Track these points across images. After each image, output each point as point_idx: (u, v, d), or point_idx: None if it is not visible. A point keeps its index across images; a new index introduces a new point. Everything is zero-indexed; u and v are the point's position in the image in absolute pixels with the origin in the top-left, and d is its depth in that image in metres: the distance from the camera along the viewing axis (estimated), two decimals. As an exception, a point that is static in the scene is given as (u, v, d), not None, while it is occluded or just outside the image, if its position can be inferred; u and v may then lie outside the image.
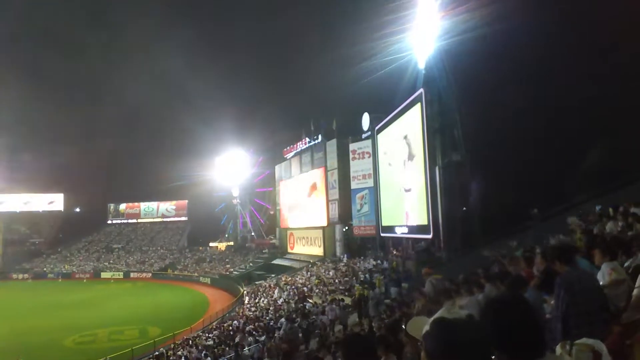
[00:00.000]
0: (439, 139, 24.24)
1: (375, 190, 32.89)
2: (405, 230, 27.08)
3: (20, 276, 62.59)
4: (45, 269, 65.00)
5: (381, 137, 32.17)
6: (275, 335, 18.37)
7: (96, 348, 24.55)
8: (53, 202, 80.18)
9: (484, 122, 23.22)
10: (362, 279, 24.92)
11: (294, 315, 20.35)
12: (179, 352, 20.34)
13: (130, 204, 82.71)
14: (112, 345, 24.70)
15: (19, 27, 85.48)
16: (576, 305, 3.23)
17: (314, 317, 19.14)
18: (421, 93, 24.69)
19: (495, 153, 22.75)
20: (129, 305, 38.80)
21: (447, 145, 24.16)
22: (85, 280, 58.65)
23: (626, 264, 4.38)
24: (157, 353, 21.37)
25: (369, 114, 34.24)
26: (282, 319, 19.84)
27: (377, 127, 32.60)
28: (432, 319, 1.46)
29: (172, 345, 22.71)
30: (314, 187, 43.29)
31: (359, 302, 19.43)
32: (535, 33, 21.65)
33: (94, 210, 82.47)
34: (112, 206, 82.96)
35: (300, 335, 16.83)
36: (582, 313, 3.18)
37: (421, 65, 25.53)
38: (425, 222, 23.78)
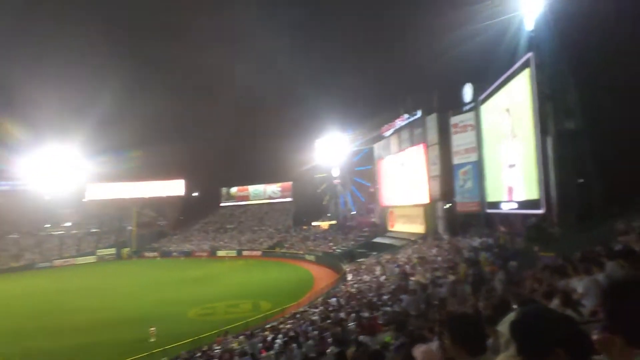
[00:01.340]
0: (551, 106, 22.05)
1: (479, 165, 31.17)
2: (514, 205, 25.35)
3: (151, 254, 70.91)
4: (170, 248, 72.80)
5: (485, 108, 30.23)
6: (387, 309, 18.54)
7: (215, 320, 27.00)
8: (175, 187, 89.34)
9: (603, 86, 20.54)
10: (466, 256, 23.95)
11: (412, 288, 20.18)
12: (288, 325, 21.49)
13: (241, 187, 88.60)
14: (229, 317, 27.00)
15: (142, 21, 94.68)
16: None
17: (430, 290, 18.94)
18: (530, 57, 22.56)
19: (617, 119, 20.06)
20: (242, 281, 41.90)
21: (560, 113, 21.90)
22: (204, 258, 64.56)
23: None
24: (268, 326, 22.82)
25: (471, 84, 32.32)
26: (404, 295, 19.71)
27: (480, 98, 30.68)
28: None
29: (281, 319, 24.12)
30: (414, 163, 42.33)
31: (467, 279, 18.76)
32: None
33: (209, 194, 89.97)
34: (224, 190, 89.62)
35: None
36: None
37: (529, 26, 23.28)
38: (536, 197, 21.99)
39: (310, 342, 15.87)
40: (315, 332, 17.75)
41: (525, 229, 23.30)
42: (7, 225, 74.40)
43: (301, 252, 57.54)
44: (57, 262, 66.41)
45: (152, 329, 23.86)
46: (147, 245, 74.81)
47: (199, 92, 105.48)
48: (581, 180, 20.71)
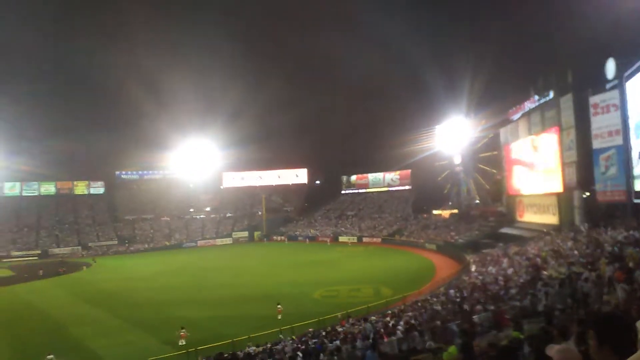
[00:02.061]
0: None
1: (624, 149, 27.72)
2: (670, 195, 22.21)
3: (279, 238, 76.38)
4: (296, 232, 77.53)
5: (632, 85, 26.72)
6: (516, 303, 17.94)
7: (338, 302, 28.46)
8: (299, 175, 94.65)
9: None
10: (609, 251, 21.70)
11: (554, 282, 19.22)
12: (410, 314, 21.76)
13: (360, 175, 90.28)
14: (351, 301, 28.22)
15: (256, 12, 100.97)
16: None
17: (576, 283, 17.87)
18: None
19: None
20: (364, 266, 43.14)
21: None
22: (328, 243, 67.47)
23: None
24: (389, 312, 23.39)
25: (615, 59, 28.70)
26: (546, 288, 18.75)
27: (625, 74, 27.15)
28: None
29: (402, 306, 24.50)
30: (546, 149, 39.04)
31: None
32: None
33: (330, 182, 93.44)
34: (344, 178, 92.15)
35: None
36: None
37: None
38: (700, 186, 19.05)
39: (432, 332, 16.02)
40: (438, 323, 17.82)
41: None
42: (160, 209, 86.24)
43: (421, 241, 56.95)
44: (200, 243, 75.42)
45: (279, 306, 26.00)
46: (276, 229, 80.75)
47: (320, 83, 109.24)
48: None
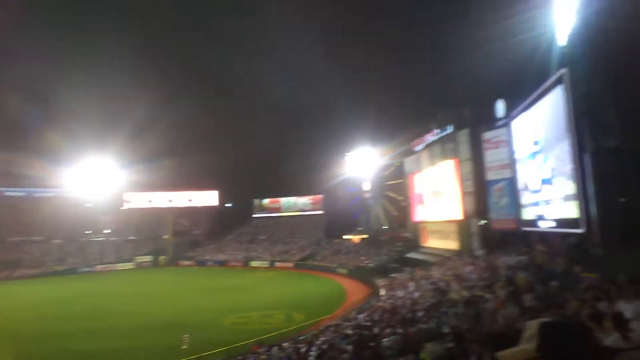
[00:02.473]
0: (587, 123, 21.76)
1: (513, 182, 30.84)
2: (552, 224, 24.95)
3: (186, 263, 72.77)
4: (205, 257, 74.50)
5: (517, 124, 30.00)
6: (422, 325, 18.66)
7: (250, 329, 27.63)
8: (209, 198, 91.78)
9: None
10: (504, 275, 23.70)
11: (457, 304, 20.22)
12: (322, 338, 21.75)
13: (273, 199, 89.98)
14: (263, 328, 27.55)
15: (167, 26, 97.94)
16: None
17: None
18: (564, 73, 22.42)
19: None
20: (276, 292, 42.52)
21: (598, 130, 21.57)
22: (238, 268, 65.71)
23: None
24: (302, 337, 23.21)
25: (503, 100, 32.16)
26: (454, 309, 19.72)
27: (512, 114, 30.50)
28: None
29: (315, 332, 24.42)
30: (446, 179, 42.12)
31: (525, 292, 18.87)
32: None
33: (242, 205, 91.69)
34: (256, 201, 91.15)
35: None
36: None
37: (562, 42, 23.14)
38: (576, 215, 21.66)
39: (345, 355, 16.12)
40: (349, 347, 17.98)
41: (565, 249, 22.92)
42: (52, 231, 78.03)
43: (333, 265, 57.76)
44: (99, 267, 69.20)
45: (186, 336, 24.57)
46: (183, 253, 76.85)
47: (234, 104, 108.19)
48: (623, 199, 20.31)
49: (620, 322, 5.06)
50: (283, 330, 25.98)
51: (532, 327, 1.28)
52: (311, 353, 18.05)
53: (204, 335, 25.80)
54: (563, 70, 22.50)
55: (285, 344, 21.79)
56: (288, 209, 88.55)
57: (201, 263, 71.73)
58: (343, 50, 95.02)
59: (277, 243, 77.01)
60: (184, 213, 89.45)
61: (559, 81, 22.92)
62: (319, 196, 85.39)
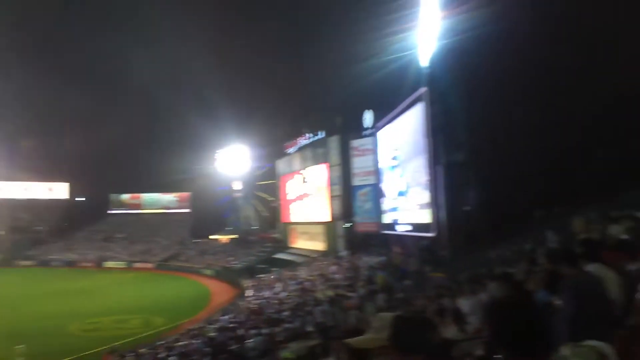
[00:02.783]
0: (442, 138, 24.36)
1: (376, 188, 33.11)
2: (408, 227, 27.31)
3: (26, 263, 63.22)
4: (49, 257, 65.62)
5: (382, 135, 32.36)
6: (288, 325, 18.77)
7: (101, 336, 25.01)
8: (52, 189, 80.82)
9: (488, 121, 23.34)
10: (365, 275, 25.19)
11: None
12: (181, 343, 20.66)
13: (134, 195, 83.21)
14: (117, 334, 25.17)
15: (19, 11, 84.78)
16: (582, 308, 3.37)
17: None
18: (423, 91, 24.80)
19: (499, 153, 22.90)
20: (133, 295, 39.30)
21: (451, 144, 24.29)
22: (89, 269, 59.23)
23: (631, 268, 4.55)
24: (161, 342, 21.73)
25: (371, 111, 34.40)
26: (320, 307, 19.97)
27: (378, 124, 32.79)
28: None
29: (176, 336, 23.09)
30: (316, 182, 43.52)
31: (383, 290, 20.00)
32: (538, 32, 21.74)
33: (97, 200, 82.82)
34: (114, 196, 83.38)
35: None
36: (588, 316, 3.32)
37: (424, 63, 25.58)
38: (428, 220, 24.00)
39: (208, 358, 15.49)
40: (210, 350, 17.35)
41: (418, 251, 25.21)
42: None
43: (198, 266, 55.52)
44: None
45: (20, 346, 21.19)
46: (22, 252, 66.60)
47: (94, 87, 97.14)
48: (467, 208, 23.10)
49: (458, 317, 5.56)
50: (139, 336, 24.01)
51: (382, 318, 1.40)
52: (170, 358, 17.00)
53: (45, 345, 22.63)
54: (423, 89, 24.85)
55: (142, 350, 20.19)
56: (151, 206, 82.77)
57: (44, 263, 62.97)
58: (221, 44, 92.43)
59: (136, 242, 71.36)
60: (24, 206, 77.58)
61: (419, 99, 25.23)
62: (186, 193, 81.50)
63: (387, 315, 1.44)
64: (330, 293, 22.34)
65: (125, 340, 23.12)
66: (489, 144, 23.74)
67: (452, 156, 24.03)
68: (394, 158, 29.72)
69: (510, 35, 21.31)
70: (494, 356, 1.96)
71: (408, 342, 1.33)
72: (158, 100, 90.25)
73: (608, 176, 17.10)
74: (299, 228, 48.42)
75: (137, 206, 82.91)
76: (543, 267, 5.81)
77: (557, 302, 3.88)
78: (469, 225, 22.24)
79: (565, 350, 2.48)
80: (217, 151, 66.45)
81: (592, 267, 3.95)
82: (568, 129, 21.67)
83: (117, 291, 41.40)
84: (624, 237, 6.99)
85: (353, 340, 1.42)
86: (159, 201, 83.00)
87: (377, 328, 1.37)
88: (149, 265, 60.30)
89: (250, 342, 17.71)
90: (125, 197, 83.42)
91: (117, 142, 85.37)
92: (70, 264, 62.38)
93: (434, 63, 24.99)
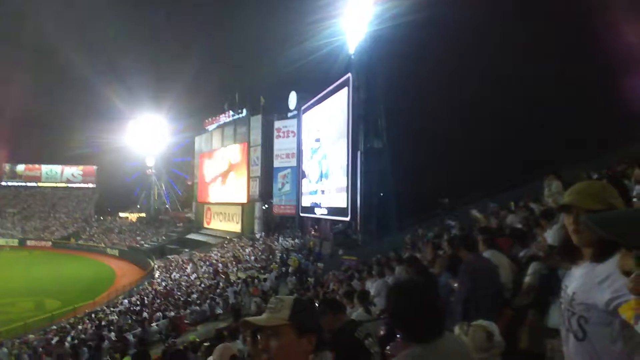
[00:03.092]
0: (363, 125, 24.82)
1: (297, 170, 33.09)
2: (325, 211, 27.66)
3: None
4: None
5: (306, 118, 32.30)
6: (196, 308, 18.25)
7: (-19, 320, 22.47)
8: None
9: (406, 111, 24.22)
10: (279, 257, 25.16)
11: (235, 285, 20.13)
12: (79, 327, 19.28)
13: (30, 166, 75.43)
14: (3, 318, 22.78)
15: None
16: (475, 290, 3.53)
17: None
18: (349, 78, 25.04)
19: (413, 143, 23.89)
20: (25, 276, 35.82)
21: (370, 132, 24.84)
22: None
23: (521, 254, 4.86)
24: (54, 327, 20.11)
25: (296, 93, 34.11)
26: (233, 288, 19.56)
27: (303, 107, 32.65)
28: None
29: (72, 320, 21.46)
30: (235, 162, 42.51)
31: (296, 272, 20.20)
32: (459, 29, 22.88)
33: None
34: (7, 166, 74.99)
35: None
36: (480, 297, 3.48)
37: (351, 50, 25.80)
38: (344, 205, 24.46)
39: (106, 343, 14.53)
40: (113, 334, 16.35)
41: (332, 234, 25.65)
42: None
43: (102, 245, 52.06)
44: None
45: None
46: None
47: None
48: (382, 194, 23.86)
49: (364, 298, 5.71)
50: (29, 321, 21.90)
51: (282, 299, 1.46)
52: (65, 344, 15.70)
53: None
54: (348, 75, 25.08)
55: (31, 336, 18.48)
56: (51, 179, 75.71)
57: None
58: (138, 4, 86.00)
59: (31, 218, 65.12)
60: None
61: (344, 84, 25.43)
62: (92, 167, 75.59)
63: (288, 297, 1.50)
64: (242, 275, 22.04)
65: (12, 326, 20.98)
66: (405, 134, 24.66)
67: (370, 143, 24.61)
68: (317, 140, 29.80)
69: (434, 24, 22.12)
70: (396, 336, 2.07)
71: (306, 321, 1.40)
72: (64, 64, 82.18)
73: (511, 169, 18.52)
74: (215, 208, 47.14)
75: (35, 178, 75.41)
76: (446, 252, 6.04)
77: (455, 284, 4.00)
78: (382, 211, 23.02)
79: (458, 329, 2.57)
80: (130, 121, 62.01)
81: (487, 253, 4.12)
82: (480, 123, 23.14)
83: (6, 272, 37.49)
84: (518, 226, 7.54)
85: (252, 319, 1.45)
86: (61, 174, 76.17)
87: (274, 309, 1.41)
88: (46, 244, 55.45)
89: (154, 325, 16.96)
90: (21, 168, 75.44)
91: (14, 107, 76.50)
92: (-50, 240, 55.46)
93: (360, 50, 25.28)
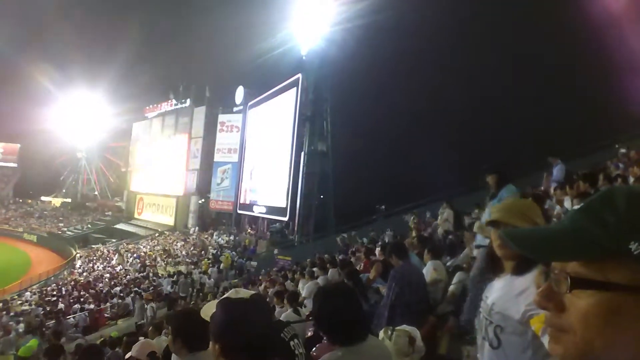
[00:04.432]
0: (309, 126, 24.91)
1: (238, 166, 32.54)
2: (263, 209, 27.41)
3: None
4: None
5: (252, 114, 31.89)
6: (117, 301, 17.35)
7: None
8: None
9: (352, 117, 24.60)
10: (212, 253, 24.56)
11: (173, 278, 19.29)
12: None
13: (-61, 139, 68.37)
14: None
15: None
16: (402, 296, 3.61)
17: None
18: (298, 78, 25.04)
19: (356, 149, 24.32)
20: None
21: (315, 134, 24.98)
22: None
23: (448, 263, 5.05)
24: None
25: (245, 88, 33.57)
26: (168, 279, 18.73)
27: (250, 103, 32.19)
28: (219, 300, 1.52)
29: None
30: (174, 152, 41.06)
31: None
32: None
33: None
34: None
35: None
36: (406, 303, 3.56)
37: (303, 51, 25.83)
38: (283, 205, 24.36)
39: (12, 336, 13.42)
40: (21, 325, 15.15)
41: (269, 233, 25.46)
42: None
43: (19, 230, 48.21)
44: None
45: None
46: None
47: None
48: (322, 196, 24.05)
49: (294, 299, 5.74)
50: None
51: (210, 305, 1.49)
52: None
53: None
54: (298, 75, 25.07)
55: None
56: (-36, 155, 69.16)
57: None
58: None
59: (-63, 195, 59.14)
60: None
61: (294, 84, 25.39)
62: (15, 145, 69.81)
63: (214, 302, 1.53)
64: (170, 270, 21.31)
65: None
66: (350, 139, 25.03)
67: (315, 145, 24.74)
68: (262, 138, 29.48)
69: (384, 29, 22.63)
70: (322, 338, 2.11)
71: (239, 325, 1.41)
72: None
73: (448, 180, 19.30)
74: (148, 199, 45.22)
75: (-56, 153, 68.51)
76: (379, 258, 6.17)
77: (383, 289, 4.07)
78: (320, 213, 23.20)
79: (382, 334, 2.62)
80: (61, 100, 57.65)
81: (416, 260, 4.24)
82: (423, 132, 23.95)
83: None
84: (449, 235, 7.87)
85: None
86: (-24, 150, 69.71)
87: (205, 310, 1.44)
88: (-48, 225, 50.48)
89: (70, 318, 15.94)
90: None
91: None
92: None
93: (312, 52, 25.36)
